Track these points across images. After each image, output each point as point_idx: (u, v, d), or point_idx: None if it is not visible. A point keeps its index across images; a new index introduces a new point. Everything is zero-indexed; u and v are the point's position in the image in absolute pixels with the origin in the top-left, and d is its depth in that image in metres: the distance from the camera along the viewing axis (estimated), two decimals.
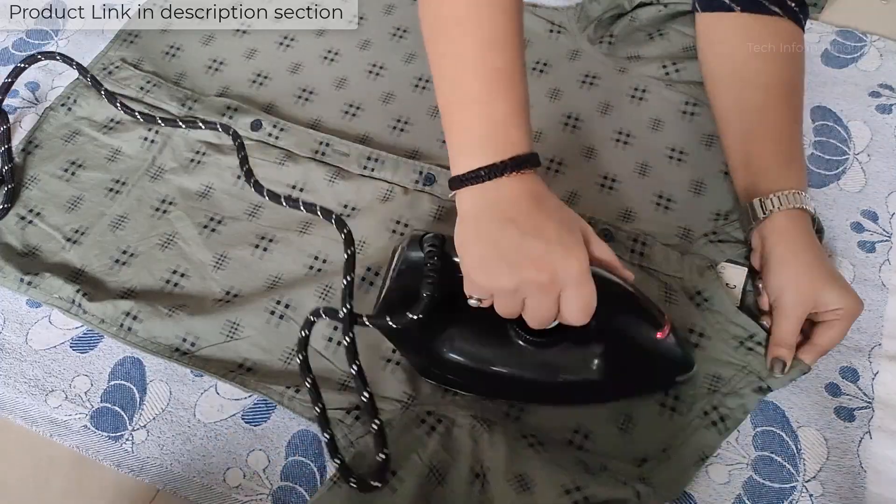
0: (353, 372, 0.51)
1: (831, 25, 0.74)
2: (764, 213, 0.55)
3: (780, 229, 0.55)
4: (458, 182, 0.44)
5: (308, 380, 0.53)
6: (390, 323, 0.48)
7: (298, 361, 0.53)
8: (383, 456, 0.49)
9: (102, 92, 0.69)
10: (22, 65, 0.71)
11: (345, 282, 0.54)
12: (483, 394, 0.54)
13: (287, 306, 0.58)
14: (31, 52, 0.72)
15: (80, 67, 0.71)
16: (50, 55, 0.72)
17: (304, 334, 0.53)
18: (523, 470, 0.49)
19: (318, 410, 0.52)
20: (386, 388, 0.54)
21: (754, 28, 0.60)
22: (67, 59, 0.71)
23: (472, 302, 0.45)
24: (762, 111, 0.59)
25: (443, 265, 0.47)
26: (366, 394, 0.51)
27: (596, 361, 0.52)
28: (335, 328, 0.57)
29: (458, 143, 0.45)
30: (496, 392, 0.54)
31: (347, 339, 0.51)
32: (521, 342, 0.52)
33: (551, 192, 0.44)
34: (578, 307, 0.42)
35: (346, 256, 0.57)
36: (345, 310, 0.52)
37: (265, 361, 0.57)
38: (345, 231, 0.58)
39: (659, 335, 0.48)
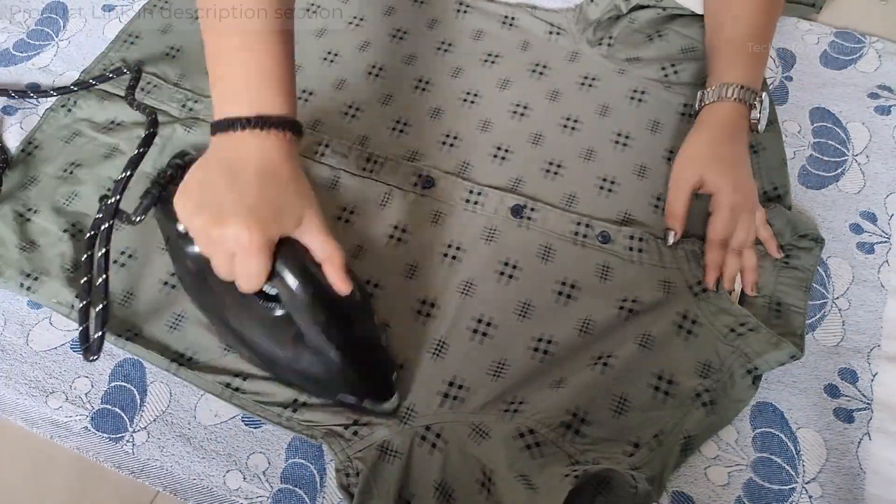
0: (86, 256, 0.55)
1: (830, 26, 0.74)
2: (703, 103, 0.60)
3: (700, 120, 0.60)
4: (212, 127, 0.46)
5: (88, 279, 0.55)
6: (131, 220, 0.51)
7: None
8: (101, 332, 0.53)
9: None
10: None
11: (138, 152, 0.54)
12: (225, 342, 0.57)
13: None
14: (31, 54, 0.72)
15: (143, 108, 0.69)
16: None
17: (90, 235, 0.55)
18: (524, 472, 0.49)
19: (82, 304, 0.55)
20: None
21: None
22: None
23: (179, 226, 0.47)
24: (725, 8, 0.63)
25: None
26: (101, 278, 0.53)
27: (286, 344, 0.51)
28: None
29: (215, 93, 0.48)
30: (231, 343, 0.56)
31: (105, 224, 0.53)
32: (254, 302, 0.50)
33: (297, 169, 0.46)
34: (241, 274, 0.45)
35: (145, 134, 0.56)
36: (115, 200, 0.53)
37: (260, 373, 0.56)
38: (150, 117, 0.59)
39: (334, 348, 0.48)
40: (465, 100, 0.70)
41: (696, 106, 0.62)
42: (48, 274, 0.60)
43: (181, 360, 0.57)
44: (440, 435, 0.53)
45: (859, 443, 0.53)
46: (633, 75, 0.70)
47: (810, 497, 0.51)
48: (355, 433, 0.53)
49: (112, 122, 0.70)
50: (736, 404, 0.54)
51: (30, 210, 0.65)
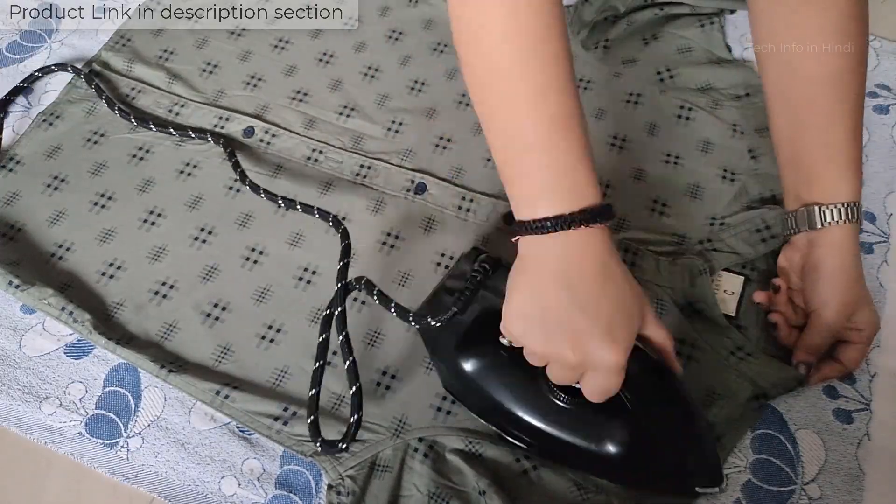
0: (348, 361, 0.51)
1: None
2: (822, 224, 0.52)
3: (835, 243, 0.53)
4: (523, 229, 0.42)
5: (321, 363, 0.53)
6: (410, 319, 0.49)
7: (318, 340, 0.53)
8: (355, 417, 0.50)
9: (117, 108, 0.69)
10: (38, 73, 0.73)
11: (338, 286, 0.54)
12: (498, 427, 0.51)
13: (279, 331, 0.58)
14: (27, 54, 0.71)
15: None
16: (62, 67, 0.73)
17: (328, 312, 0.53)
18: (521, 493, 0.49)
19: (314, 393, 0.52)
20: (375, 413, 0.54)
21: (803, 12, 0.53)
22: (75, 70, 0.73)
23: (503, 340, 0.46)
24: (810, 104, 0.53)
25: (490, 286, 0.49)
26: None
27: (616, 437, 0.47)
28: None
29: (519, 194, 0.43)
30: (509, 432, 0.51)
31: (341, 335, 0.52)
32: (547, 391, 0.48)
33: (621, 260, 0.42)
34: (596, 390, 0.42)
35: (339, 265, 0.55)
36: (336, 310, 0.52)
37: (253, 382, 0.56)
38: (343, 236, 0.57)
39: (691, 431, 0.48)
40: (460, 102, 0.70)
41: (815, 224, 0.53)
42: (39, 281, 0.60)
43: (172, 367, 0.56)
44: (433, 446, 0.52)
45: (859, 444, 0.53)
46: (628, 78, 0.69)
47: (809, 498, 0.51)
48: (345, 448, 0.52)
49: (95, 134, 0.69)
50: (742, 428, 0.53)
51: (12, 228, 0.64)
